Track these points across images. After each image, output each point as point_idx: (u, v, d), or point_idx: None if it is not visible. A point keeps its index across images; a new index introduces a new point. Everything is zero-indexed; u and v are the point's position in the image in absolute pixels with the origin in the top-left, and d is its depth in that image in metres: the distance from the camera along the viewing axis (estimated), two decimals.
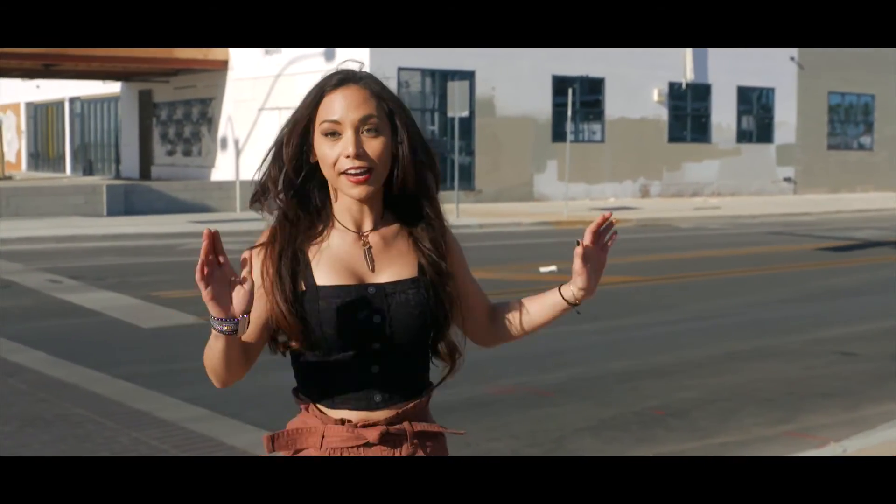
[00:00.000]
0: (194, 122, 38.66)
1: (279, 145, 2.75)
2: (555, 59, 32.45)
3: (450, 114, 26.77)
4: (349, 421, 2.69)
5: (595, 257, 2.81)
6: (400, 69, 30.22)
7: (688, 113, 37.81)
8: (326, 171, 2.67)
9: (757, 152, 39.69)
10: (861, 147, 44.38)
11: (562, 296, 2.84)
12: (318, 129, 2.66)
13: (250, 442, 7.19)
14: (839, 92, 42.95)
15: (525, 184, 33.11)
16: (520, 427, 7.75)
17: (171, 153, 40.19)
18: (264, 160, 2.79)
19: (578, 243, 2.76)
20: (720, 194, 37.98)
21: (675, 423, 8.04)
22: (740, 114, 39.37)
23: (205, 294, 2.43)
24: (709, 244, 22.04)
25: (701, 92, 37.80)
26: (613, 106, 35.29)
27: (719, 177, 38.36)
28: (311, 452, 2.69)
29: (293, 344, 2.68)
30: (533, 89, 33.06)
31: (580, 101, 34.12)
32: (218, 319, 2.48)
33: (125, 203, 26.86)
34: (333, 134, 2.64)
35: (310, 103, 2.69)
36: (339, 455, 2.67)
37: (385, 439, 2.70)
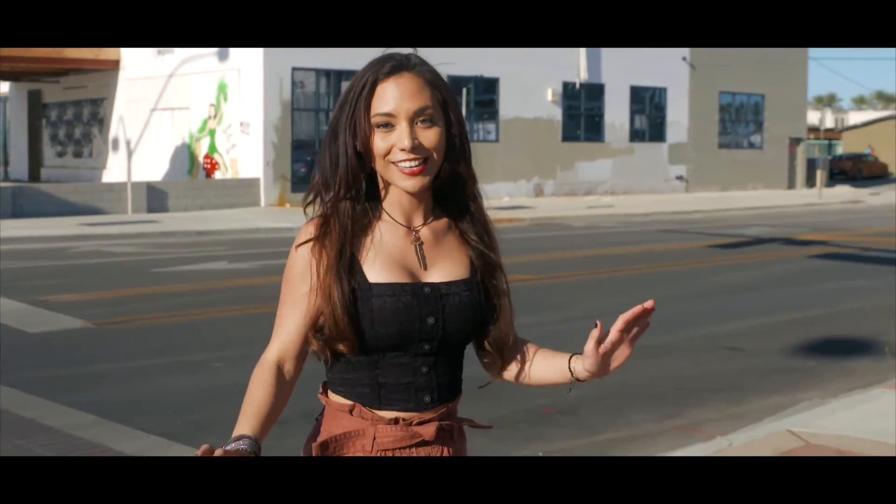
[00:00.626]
0: (85, 123, 38.06)
1: (332, 136, 2.60)
2: (449, 59, 32.45)
3: None
4: (403, 419, 2.59)
5: (619, 347, 2.69)
6: (294, 69, 30.02)
7: (581, 112, 38.17)
8: (378, 162, 2.54)
9: (649, 151, 40.21)
10: (751, 146, 45.22)
11: (570, 368, 2.79)
12: (371, 119, 2.53)
13: (138, 448, 7.10)
14: (730, 91, 43.73)
15: None
16: None
17: (61, 154, 39.51)
18: (320, 154, 2.64)
19: (596, 325, 2.66)
20: (613, 193, 38.40)
21: (564, 420, 8.10)
22: (633, 113, 39.86)
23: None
24: (602, 243, 22.27)
25: (594, 92, 38.19)
26: (508, 106, 35.49)
27: (612, 175, 38.79)
28: (359, 454, 2.58)
29: (341, 347, 2.55)
30: None
31: (475, 101, 34.25)
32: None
33: (13, 206, 26.33)
34: (387, 125, 2.52)
35: (362, 92, 2.54)
36: (389, 455, 2.58)
37: (439, 435, 2.63)
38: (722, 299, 14.34)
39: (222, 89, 30.89)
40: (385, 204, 2.62)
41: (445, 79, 2.67)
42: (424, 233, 2.63)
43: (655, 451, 7.20)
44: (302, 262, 2.56)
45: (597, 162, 38.39)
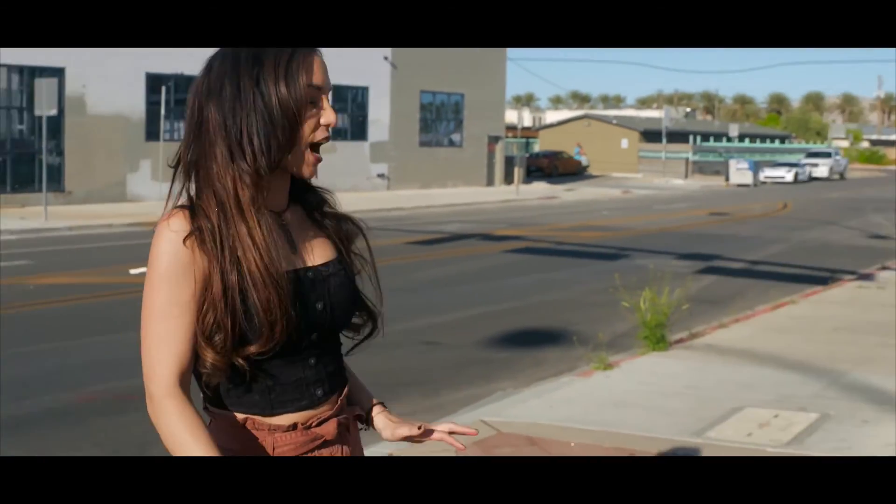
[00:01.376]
0: None
1: (244, 100, 2.34)
2: (149, 57, 31.70)
3: (37, 112, 25.64)
4: (300, 424, 2.40)
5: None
6: None
7: None
8: (301, 131, 2.39)
9: (352, 150, 40.48)
10: (451, 144, 46.20)
11: (371, 415, 2.70)
12: (304, 90, 2.37)
13: None
14: (431, 91, 44.51)
15: (118, 184, 32.21)
16: (104, 434, 7.55)
17: None
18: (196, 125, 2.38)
19: (420, 428, 2.61)
20: None
21: None
22: (338, 112, 39.96)
23: None
24: None
25: None
26: None
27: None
28: None
29: (252, 349, 2.28)
30: (126, 87, 32.22)
31: (175, 100, 33.57)
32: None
33: None
34: (314, 102, 2.41)
35: (290, 59, 2.38)
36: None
37: (339, 433, 2.48)
38: (420, 295, 14.57)
39: None
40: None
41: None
42: (288, 217, 2.45)
43: None
44: (186, 256, 2.26)
45: None
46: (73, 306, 12.87)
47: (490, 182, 47.80)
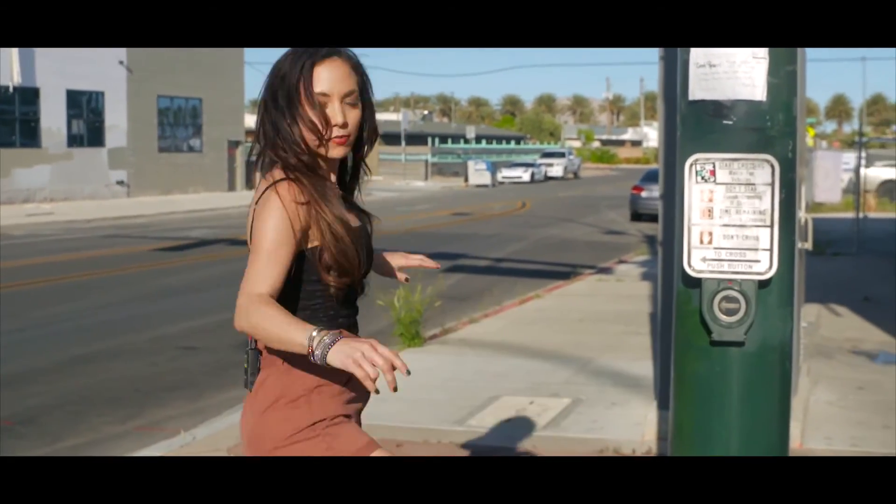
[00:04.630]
0: None
1: (276, 109, 3.06)
2: None
3: None
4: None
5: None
6: None
7: (16, 117, 36.81)
8: (315, 132, 3.03)
9: (89, 156, 39.49)
10: (191, 149, 45.62)
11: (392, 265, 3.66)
12: (313, 97, 3.03)
13: None
14: (168, 95, 43.82)
15: None
16: None
17: None
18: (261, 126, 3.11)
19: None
20: (53, 200, 37.36)
21: (24, 430, 7.91)
22: (70, 118, 38.94)
23: (365, 364, 2.64)
24: (45, 250, 21.65)
25: (29, 95, 36.95)
26: None
27: (51, 182, 37.73)
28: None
29: (342, 279, 3.06)
30: None
31: None
32: (319, 357, 2.72)
33: None
34: (323, 103, 3.04)
35: (301, 72, 3.02)
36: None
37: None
38: (172, 300, 14.47)
39: None
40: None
41: None
42: (337, 189, 3.17)
43: (121, 451, 7.23)
44: (293, 214, 2.95)
45: (34, 168, 37.17)
46: None
47: (231, 187, 47.47)
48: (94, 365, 10.18)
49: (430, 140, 72.12)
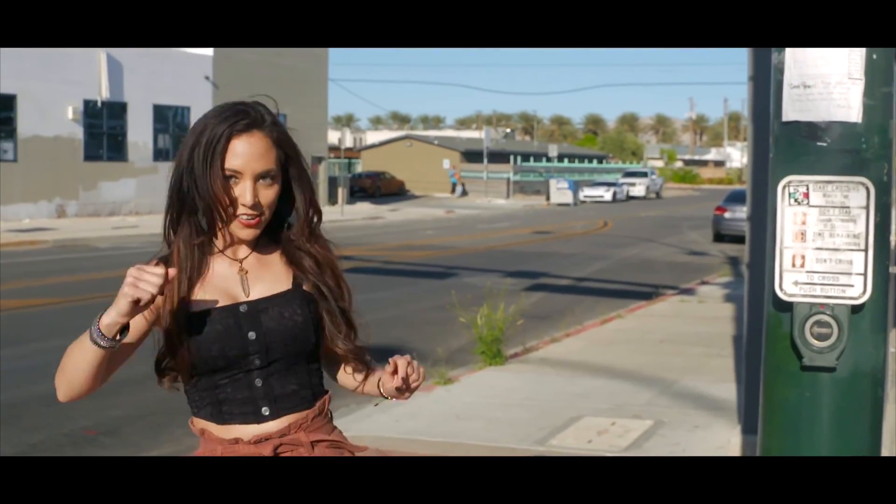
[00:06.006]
0: None
1: (187, 176, 2.78)
2: None
3: None
4: (241, 439, 2.77)
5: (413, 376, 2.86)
6: None
7: (104, 131, 37.39)
8: (221, 208, 2.75)
9: None
10: None
11: (379, 385, 2.94)
12: (222, 170, 2.74)
13: None
14: None
15: None
16: None
17: None
18: (174, 187, 2.84)
19: (389, 363, 2.85)
20: (138, 213, 37.86)
21: (108, 441, 8.00)
22: (157, 132, 39.47)
23: (130, 307, 2.55)
24: (130, 263, 21.78)
25: (117, 110, 37.52)
26: (26, 124, 34.14)
27: (137, 195, 38.25)
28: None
29: (181, 371, 2.82)
30: None
31: None
32: (105, 337, 2.57)
33: None
34: (234, 178, 2.75)
35: (217, 143, 2.74)
36: None
37: (281, 452, 2.78)
38: None
39: None
40: (217, 241, 2.86)
41: None
42: (249, 262, 2.88)
43: None
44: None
45: (120, 181, 37.72)
46: None
47: None
48: None
49: (512, 158, 72.09)
